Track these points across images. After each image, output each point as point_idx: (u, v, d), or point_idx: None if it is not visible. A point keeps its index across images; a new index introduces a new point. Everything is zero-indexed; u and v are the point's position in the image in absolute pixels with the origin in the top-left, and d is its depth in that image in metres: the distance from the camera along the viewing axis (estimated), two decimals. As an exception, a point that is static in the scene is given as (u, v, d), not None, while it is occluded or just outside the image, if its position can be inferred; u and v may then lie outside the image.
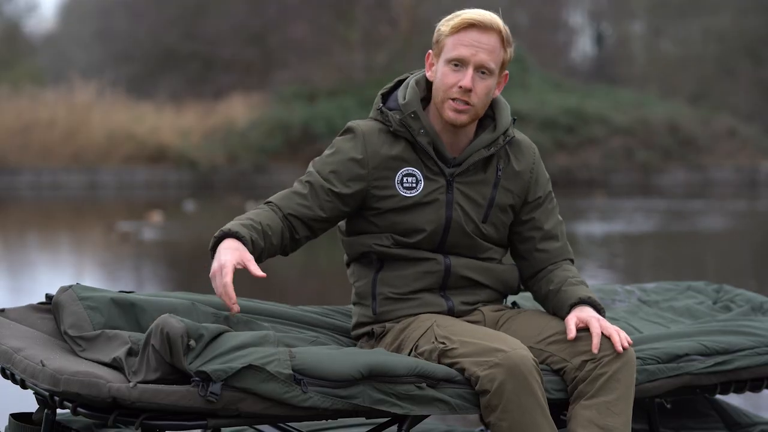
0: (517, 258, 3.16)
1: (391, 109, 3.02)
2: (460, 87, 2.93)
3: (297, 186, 3.02)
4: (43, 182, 22.01)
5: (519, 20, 31.53)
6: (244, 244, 2.81)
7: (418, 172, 3.00)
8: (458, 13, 2.99)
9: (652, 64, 33.09)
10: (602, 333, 2.82)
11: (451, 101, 2.96)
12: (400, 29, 27.21)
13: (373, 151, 2.98)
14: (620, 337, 2.82)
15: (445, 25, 2.99)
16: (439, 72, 2.98)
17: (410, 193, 2.99)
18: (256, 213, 2.94)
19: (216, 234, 2.83)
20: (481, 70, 2.95)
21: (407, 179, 2.99)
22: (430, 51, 3.04)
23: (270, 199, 3.01)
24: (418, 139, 2.98)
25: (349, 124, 3.05)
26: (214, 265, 2.77)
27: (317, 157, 3.06)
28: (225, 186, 22.25)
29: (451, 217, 3.00)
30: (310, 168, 3.03)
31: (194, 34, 28.72)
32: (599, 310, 2.93)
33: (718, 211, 17.34)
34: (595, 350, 2.79)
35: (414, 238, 2.99)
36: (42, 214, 17.19)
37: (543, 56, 30.17)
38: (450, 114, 2.96)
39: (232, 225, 2.84)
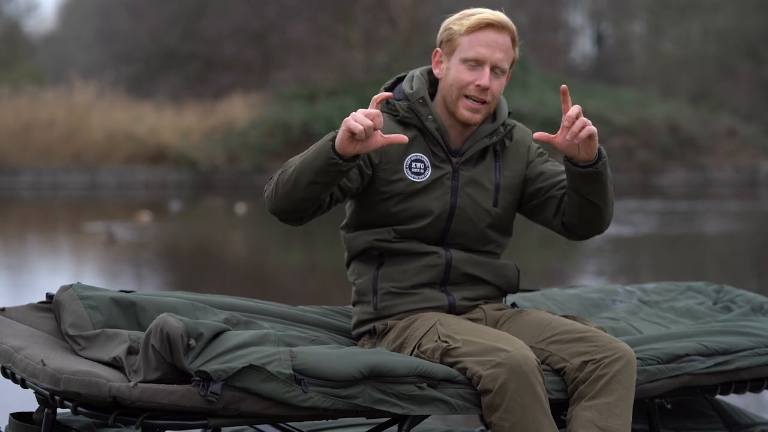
0: (547, 206, 3.08)
1: (397, 100, 3.05)
2: (478, 86, 2.96)
3: None
4: (43, 182, 22.00)
5: (519, 20, 31.50)
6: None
7: (425, 159, 3.02)
8: (469, 12, 3.00)
9: (652, 64, 33.06)
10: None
11: (466, 99, 2.98)
12: (400, 29, 27.21)
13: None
14: (585, 130, 2.78)
15: (457, 24, 3.00)
16: (452, 70, 3.00)
17: (418, 178, 3.01)
18: None
19: (325, 143, 2.76)
20: (496, 69, 2.98)
21: (415, 164, 3.01)
22: (438, 49, 3.05)
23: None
24: (426, 124, 3.01)
25: None
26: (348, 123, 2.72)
27: None
28: (225, 186, 22.25)
29: (456, 203, 3.02)
30: None
31: (194, 34, 28.71)
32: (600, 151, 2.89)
33: (718, 212, 17.33)
34: (564, 114, 2.76)
35: (419, 224, 3.00)
36: (26, 214, 17.16)
37: (543, 56, 30.17)
38: (465, 113, 2.99)
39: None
